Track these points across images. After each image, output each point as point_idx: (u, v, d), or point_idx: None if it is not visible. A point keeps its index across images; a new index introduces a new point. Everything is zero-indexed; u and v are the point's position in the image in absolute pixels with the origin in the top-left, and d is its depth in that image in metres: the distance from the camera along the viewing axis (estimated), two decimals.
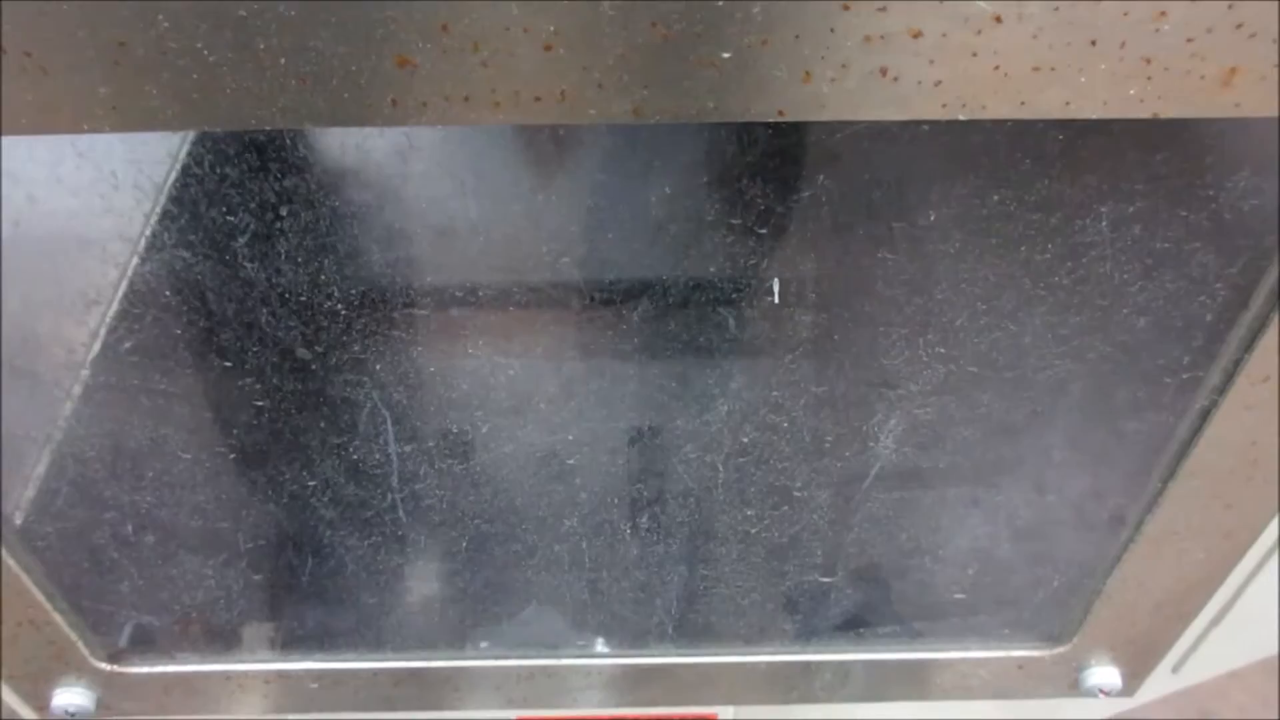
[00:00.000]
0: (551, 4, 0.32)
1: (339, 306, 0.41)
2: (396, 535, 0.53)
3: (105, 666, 0.61)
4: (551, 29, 0.32)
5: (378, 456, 0.47)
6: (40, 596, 0.55)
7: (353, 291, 0.41)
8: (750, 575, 0.57)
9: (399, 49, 0.33)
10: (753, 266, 0.40)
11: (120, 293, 0.42)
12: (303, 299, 0.41)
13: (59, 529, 0.56)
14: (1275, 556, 0.63)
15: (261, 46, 0.32)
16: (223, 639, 0.61)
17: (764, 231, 0.39)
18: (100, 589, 0.59)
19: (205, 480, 0.49)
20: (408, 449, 0.47)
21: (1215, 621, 0.66)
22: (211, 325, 0.42)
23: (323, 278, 0.40)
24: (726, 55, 0.33)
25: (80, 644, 0.59)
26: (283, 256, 0.39)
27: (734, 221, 0.39)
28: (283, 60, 0.33)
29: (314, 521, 0.51)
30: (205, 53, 0.32)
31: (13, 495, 0.57)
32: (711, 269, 0.41)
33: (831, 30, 0.33)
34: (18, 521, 0.56)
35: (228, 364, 0.43)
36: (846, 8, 0.32)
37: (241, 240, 0.39)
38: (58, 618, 0.57)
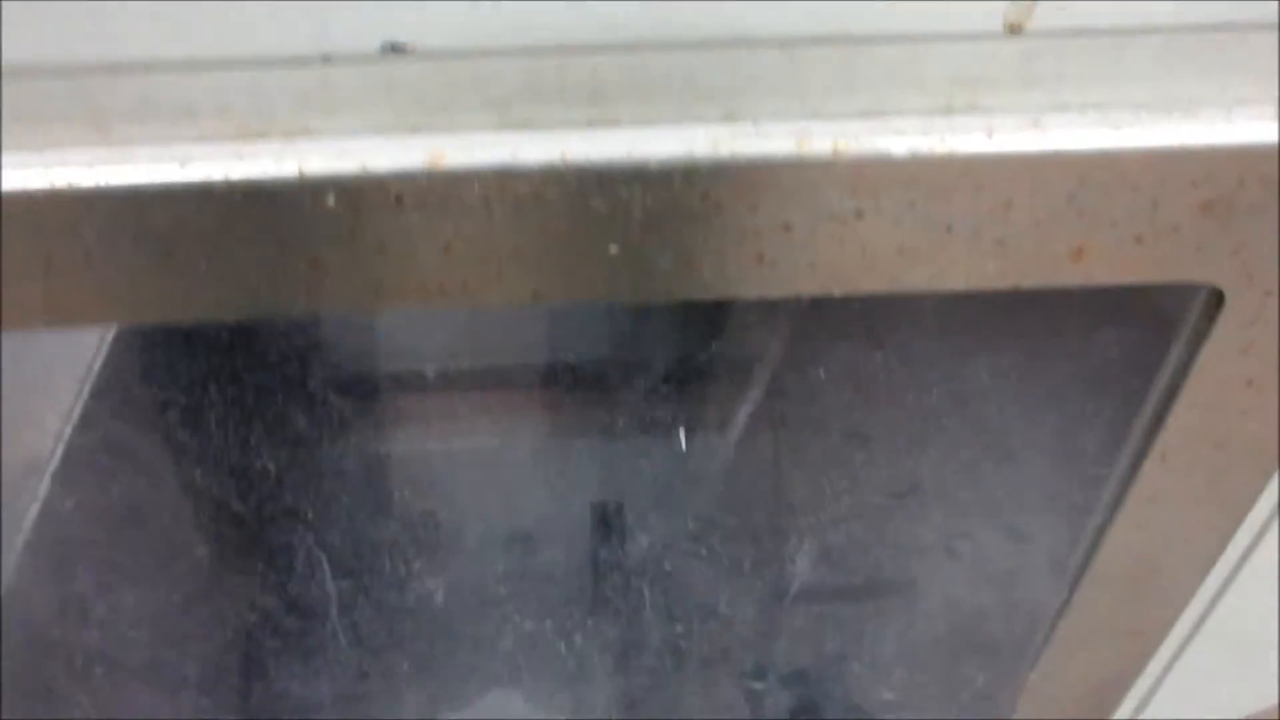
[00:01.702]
0: (448, 212, 0.34)
1: (269, 465, 0.44)
2: (338, 659, 0.55)
3: None
4: (450, 232, 0.35)
5: (315, 592, 0.50)
6: None
7: (283, 449, 0.43)
8: (682, 681, 0.59)
9: (310, 253, 0.35)
10: (663, 419, 0.43)
11: (60, 452, 0.45)
12: (233, 460, 0.43)
13: (10, 662, 0.57)
14: (1191, 644, 0.66)
15: (182, 254, 0.35)
16: None
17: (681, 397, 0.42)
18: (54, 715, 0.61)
19: (150, 616, 0.51)
20: (344, 584, 0.49)
21: (1140, 708, 0.69)
22: (147, 481, 0.45)
23: (252, 441, 0.42)
24: (614, 249, 0.36)
25: None
26: (213, 424, 0.42)
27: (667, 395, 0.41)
28: (202, 265, 0.35)
29: (259, 651, 0.53)
30: (128, 260, 0.35)
31: None
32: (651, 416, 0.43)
33: (708, 224, 0.36)
34: None
35: (167, 517, 0.45)
36: (719, 206, 0.35)
37: (170, 413, 0.41)
38: None
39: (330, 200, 0.34)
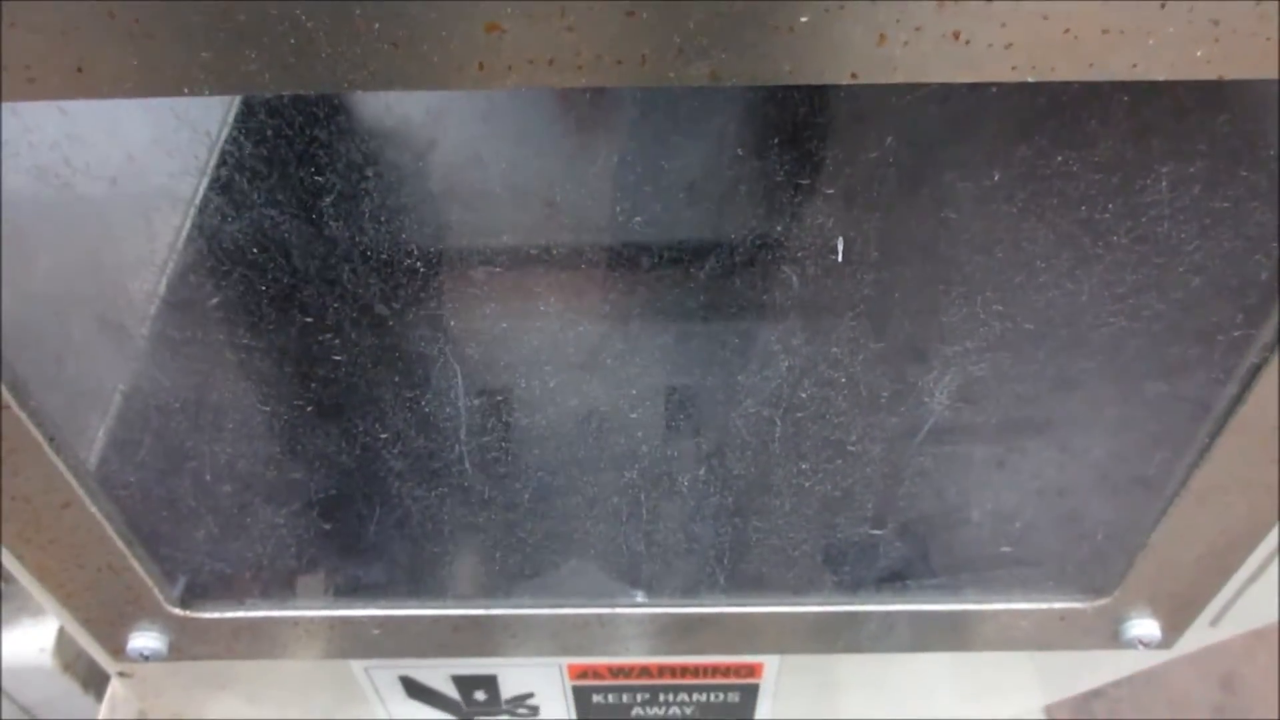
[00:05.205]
0: None
1: (418, 264, 0.43)
2: (460, 486, 0.55)
3: (178, 611, 0.64)
4: None
5: (448, 410, 0.49)
6: (120, 544, 0.58)
7: (428, 250, 0.42)
8: (800, 527, 0.59)
9: (489, 15, 0.34)
10: (815, 225, 0.42)
11: (187, 243, 0.44)
12: (382, 257, 0.42)
13: (136, 476, 0.58)
14: None
15: (358, 13, 0.34)
16: (289, 586, 0.64)
17: (831, 191, 0.40)
18: (174, 535, 0.61)
19: (277, 431, 0.51)
20: (476, 402, 0.49)
21: (1254, 577, 0.67)
22: (283, 279, 0.44)
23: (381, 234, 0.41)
24: (804, 19, 0.34)
25: (155, 589, 0.62)
26: (365, 216, 0.41)
27: (802, 181, 0.40)
28: (377, 26, 0.34)
29: (383, 472, 0.53)
30: (304, 19, 0.34)
31: (86, 441, 0.59)
32: (777, 227, 0.42)
33: None
34: (91, 465, 0.58)
35: (303, 317, 0.45)
36: None
37: (318, 199, 0.40)
38: (135, 564, 0.59)
39: None
